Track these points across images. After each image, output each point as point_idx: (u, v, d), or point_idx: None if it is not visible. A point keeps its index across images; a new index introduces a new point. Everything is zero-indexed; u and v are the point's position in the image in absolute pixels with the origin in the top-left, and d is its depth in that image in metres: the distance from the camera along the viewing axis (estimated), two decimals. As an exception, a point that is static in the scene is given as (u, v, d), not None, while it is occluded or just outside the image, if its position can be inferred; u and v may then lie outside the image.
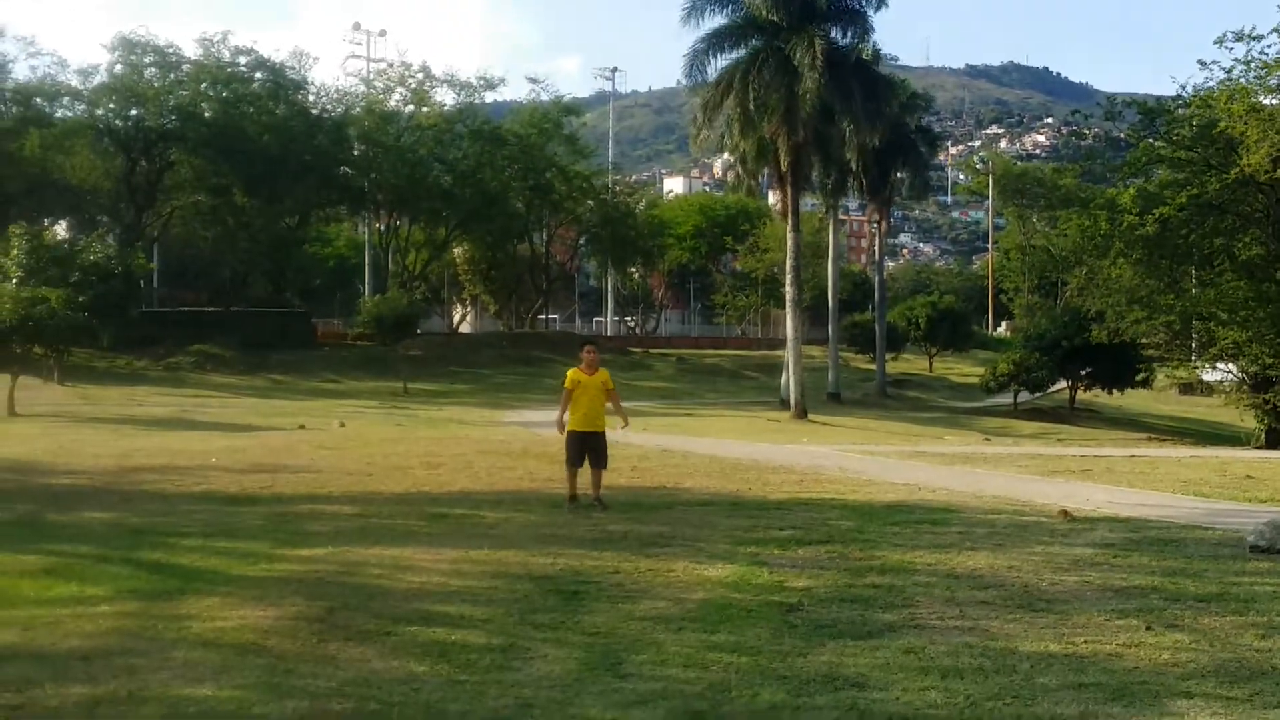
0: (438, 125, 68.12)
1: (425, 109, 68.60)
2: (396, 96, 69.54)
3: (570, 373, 14.48)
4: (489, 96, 73.19)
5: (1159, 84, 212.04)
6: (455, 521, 12.73)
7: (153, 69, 60.07)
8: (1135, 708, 6.19)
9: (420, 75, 69.14)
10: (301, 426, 27.61)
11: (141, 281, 54.65)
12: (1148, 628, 7.97)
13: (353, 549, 10.84)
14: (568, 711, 6.06)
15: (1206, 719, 5.98)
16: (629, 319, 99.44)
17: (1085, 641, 7.62)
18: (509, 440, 23.84)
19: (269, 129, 59.98)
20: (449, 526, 12.37)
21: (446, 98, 70.56)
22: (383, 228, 70.92)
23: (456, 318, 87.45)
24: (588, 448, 14.12)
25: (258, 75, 62.14)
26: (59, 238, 54.77)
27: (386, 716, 5.97)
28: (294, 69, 64.46)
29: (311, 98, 65.81)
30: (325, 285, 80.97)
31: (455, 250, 78.55)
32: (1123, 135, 42.37)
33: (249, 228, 62.80)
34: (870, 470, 19.09)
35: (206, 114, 59.78)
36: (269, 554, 10.55)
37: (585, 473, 14.18)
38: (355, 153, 67.34)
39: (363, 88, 70.80)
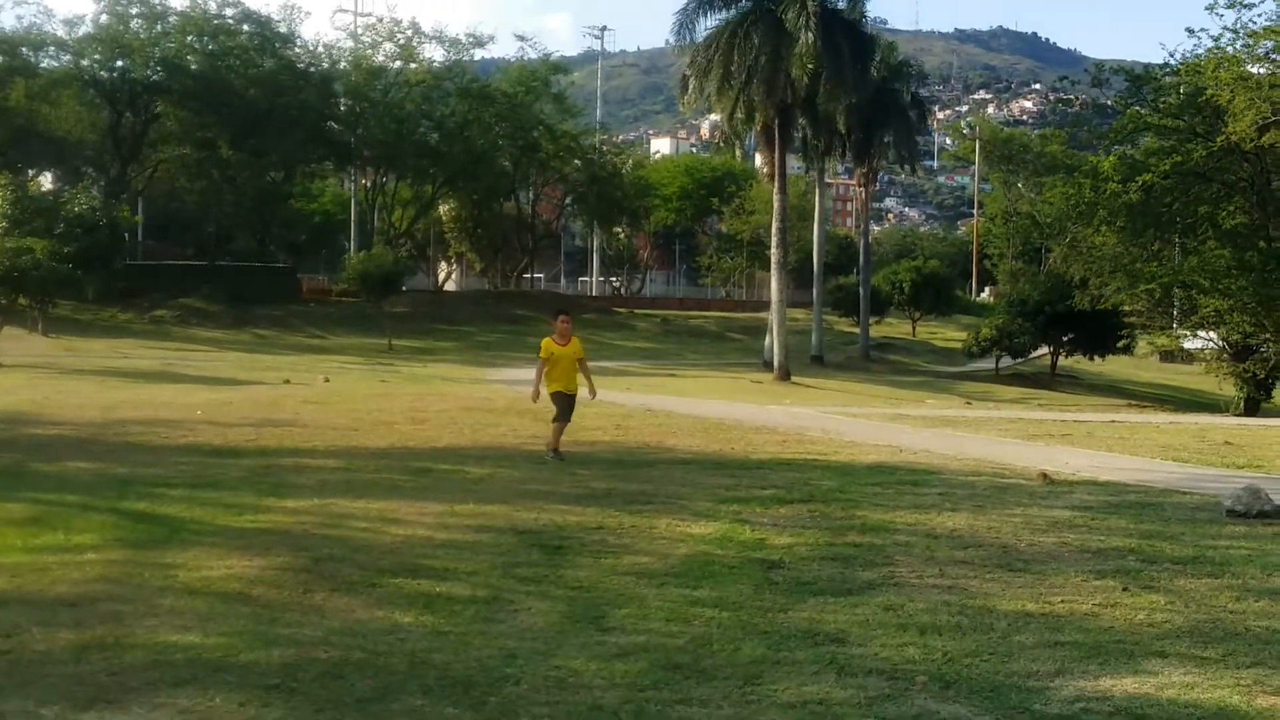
0: (425, 82, 67.76)
1: (413, 65, 68.17)
2: (384, 52, 69.11)
3: (545, 343, 14.59)
4: (477, 54, 73.08)
5: (1148, 51, 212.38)
6: (440, 476, 12.80)
7: (139, 20, 59.63)
8: (1110, 666, 6.27)
9: (409, 31, 68.72)
10: (286, 381, 27.63)
11: (126, 234, 54.63)
12: (1124, 589, 8.05)
13: (338, 502, 10.90)
14: (550, 663, 6.13)
15: (1180, 678, 6.05)
16: (614, 279, 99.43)
17: (1062, 601, 7.71)
18: (493, 397, 23.89)
19: (255, 82, 59.65)
20: (433, 481, 12.44)
21: (435, 54, 70.21)
22: (369, 184, 70.62)
23: (442, 276, 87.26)
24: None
25: (245, 28, 61.69)
26: (44, 189, 54.60)
27: (372, 665, 6.03)
28: (281, 22, 64.09)
29: (299, 51, 65.39)
30: (310, 241, 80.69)
31: (441, 208, 78.29)
32: (1110, 102, 42.42)
33: (234, 182, 62.46)
34: (852, 432, 19.20)
35: (193, 66, 59.40)
36: (255, 505, 10.60)
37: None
38: (342, 108, 67.03)
39: (350, 42, 70.40)
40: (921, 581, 8.27)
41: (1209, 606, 7.65)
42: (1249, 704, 5.65)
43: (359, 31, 71.27)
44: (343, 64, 68.03)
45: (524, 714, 5.37)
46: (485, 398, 23.84)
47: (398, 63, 68.63)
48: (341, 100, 66.90)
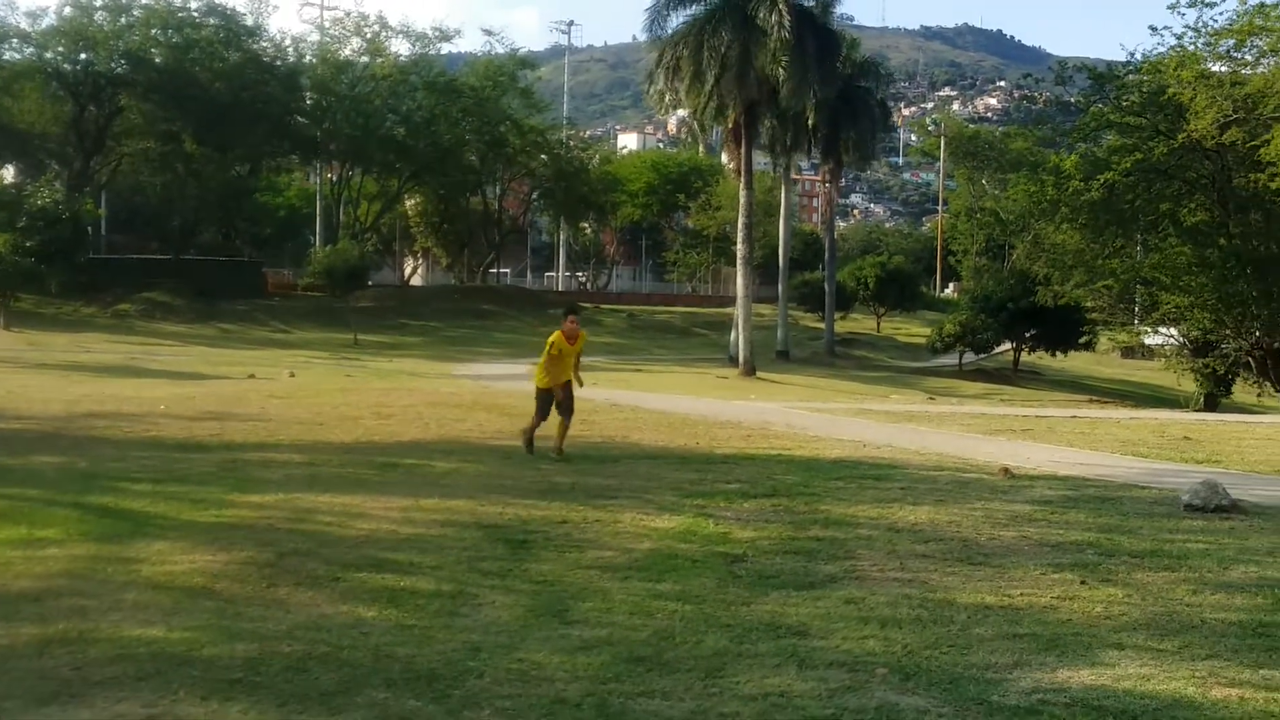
0: (392, 76, 67.63)
1: (380, 59, 68.01)
2: (352, 46, 68.92)
3: (554, 338, 14.63)
4: (444, 48, 72.90)
5: (1112, 49, 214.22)
6: (405, 471, 12.80)
7: (103, 13, 59.22)
8: (1067, 658, 6.35)
9: (376, 26, 68.58)
10: (251, 376, 27.53)
11: (89, 228, 54.18)
12: (1082, 582, 8.15)
13: (303, 496, 10.89)
14: (514, 656, 6.16)
15: (1136, 669, 6.13)
16: (581, 274, 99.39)
17: (1021, 594, 7.79)
18: (459, 393, 23.89)
19: (221, 76, 59.34)
20: (399, 476, 12.44)
21: (402, 48, 70.24)
22: (334, 178, 70.40)
23: (408, 270, 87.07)
24: (556, 399, 14.34)
25: (210, 21, 61.38)
26: (6, 182, 54.13)
27: (335, 659, 6.05)
28: (247, 15, 63.82)
29: (265, 45, 65.06)
30: (276, 235, 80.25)
31: (407, 202, 78.18)
32: (1073, 100, 42.72)
33: (199, 175, 62.14)
34: (816, 427, 19.29)
35: (157, 59, 59.08)
36: (219, 500, 10.58)
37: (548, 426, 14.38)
38: (308, 102, 66.76)
39: (317, 36, 70.12)
40: (883, 575, 8.34)
41: (1165, 599, 7.75)
42: (1204, 695, 5.74)
43: (326, 25, 71.09)
44: (309, 58, 67.78)
45: (487, 706, 5.41)
46: (451, 393, 23.84)
47: (365, 57, 68.47)
48: (308, 94, 66.62)
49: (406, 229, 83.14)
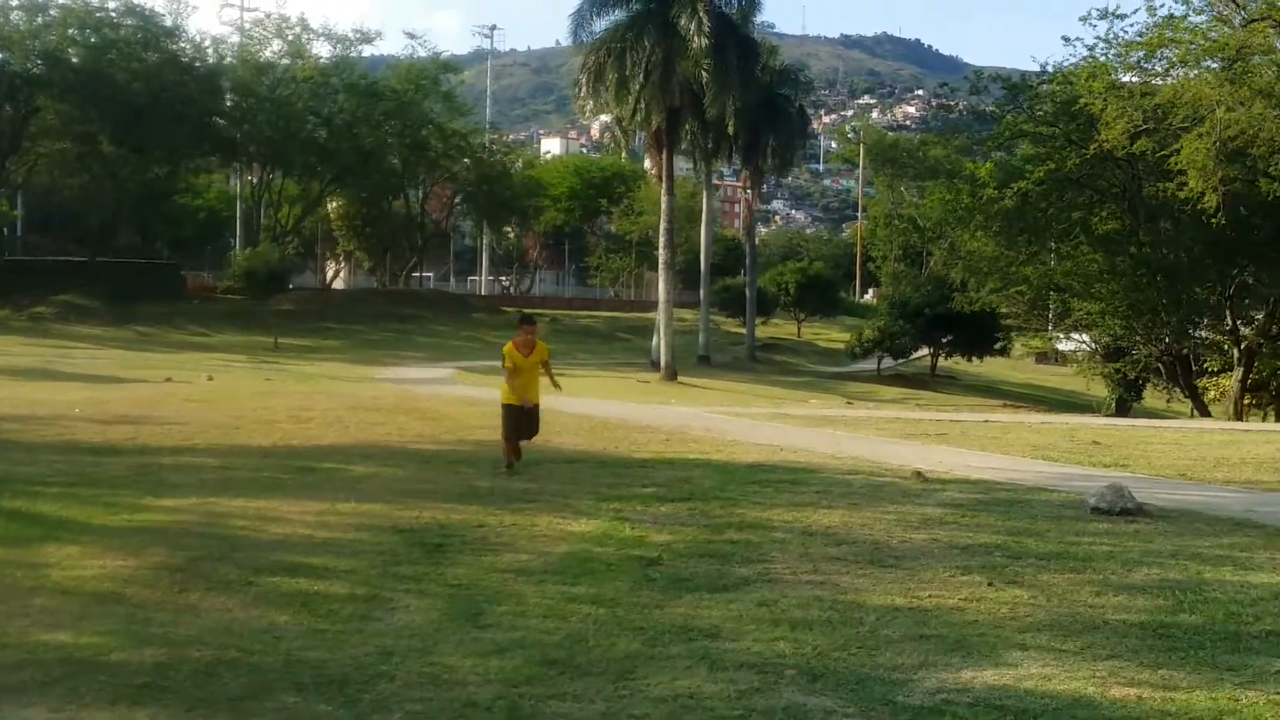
0: (313, 78, 67.06)
1: (301, 61, 67.40)
2: (273, 48, 68.28)
3: (508, 350, 13.80)
4: (366, 50, 72.48)
5: (1027, 59, 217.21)
6: (322, 475, 12.74)
7: (19, 12, 58.24)
8: (972, 658, 6.46)
9: (298, 28, 68.00)
10: (168, 379, 27.17)
11: (5, 229, 53.16)
12: (989, 583, 8.29)
13: (217, 500, 10.81)
14: (426, 660, 6.18)
15: (1038, 669, 6.25)
16: (503, 278, 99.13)
17: (930, 596, 7.92)
18: (380, 396, 23.74)
19: (139, 76, 58.45)
20: (316, 480, 12.37)
21: (323, 50, 69.57)
22: (255, 180, 69.61)
23: (330, 274, 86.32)
24: (524, 419, 13.64)
25: (128, 21, 60.42)
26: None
27: (245, 664, 6.03)
28: (166, 16, 63.01)
29: (184, 46, 64.22)
30: (195, 237, 79.20)
31: (329, 205, 77.48)
32: (989, 109, 43.36)
33: (116, 177, 61.15)
34: (735, 431, 19.41)
35: (74, 59, 58.14)
36: (132, 504, 10.47)
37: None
38: (228, 103, 65.98)
39: (237, 37, 69.36)
40: (795, 578, 8.44)
41: (1070, 601, 7.89)
42: (1103, 695, 5.86)
43: (246, 27, 70.32)
44: (229, 59, 66.98)
45: (397, 710, 5.42)
46: (372, 396, 23.69)
47: (286, 59, 67.83)
48: (228, 96, 65.86)
49: (328, 232, 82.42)
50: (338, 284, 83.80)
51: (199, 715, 5.31)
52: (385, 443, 15.90)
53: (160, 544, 8.87)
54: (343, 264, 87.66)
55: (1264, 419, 39.84)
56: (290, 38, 67.63)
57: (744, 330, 60.74)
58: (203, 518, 10.03)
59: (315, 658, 6.17)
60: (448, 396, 25.58)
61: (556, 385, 14.25)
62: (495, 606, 7.40)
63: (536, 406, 13.74)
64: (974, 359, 55.11)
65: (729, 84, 42.51)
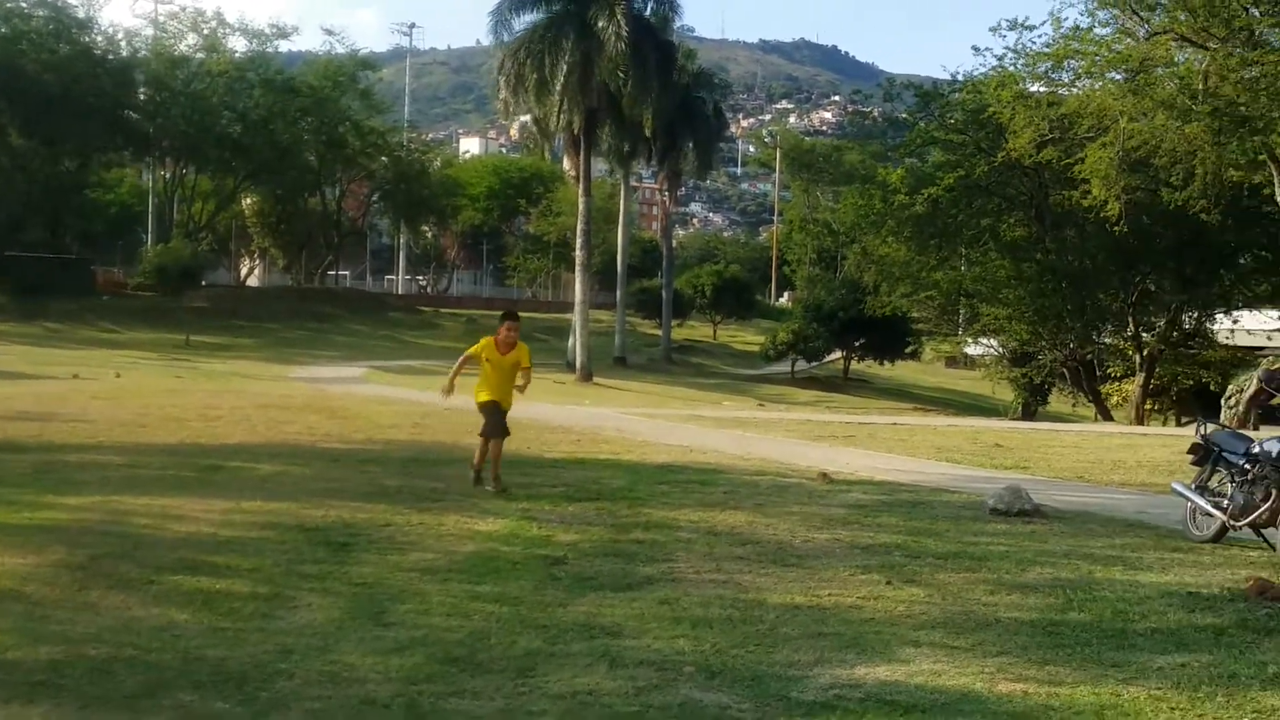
0: (229, 73, 66.29)
1: (216, 55, 66.56)
2: (187, 42, 67.35)
3: (485, 342, 12.62)
4: (283, 46, 71.75)
5: (940, 68, 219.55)
6: (229, 473, 12.64)
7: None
8: (866, 655, 6.58)
9: (213, 22, 67.17)
10: (76, 376, 26.78)
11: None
12: (888, 582, 8.45)
13: (121, 498, 10.70)
14: (326, 658, 6.19)
15: (930, 666, 6.38)
16: (421, 278, 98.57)
17: (829, 594, 8.05)
18: (291, 395, 23.57)
19: (50, 68, 57.34)
20: (222, 478, 12.28)
21: (239, 45, 68.77)
22: (168, 175, 68.59)
23: (244, 271, 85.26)
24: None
25: (40, 12, 59.34)
26: None
27: (143, 662, 6.01)
28: (79, 7, 61.89)
29: (97, 38, 63.12)
30: (107, 233, 77.67)
31: (244, 201, 76.59)
32: (903, 116, 43.98)
33: (26, 170, 59.95)
34: (647, 432, 19.53)
35: (-16, 50, 56.88)
36: (34, 502, 10.34)
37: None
38: (142, 97, 64.96)
39: (151, 30, 68.32)
40: (699, 577, 8.54)
41: (964, 599, 8.06)
42: (990, 690, 5.99)
43: (161, 20, 69.29)
44: (143, 52, 65.94)
45: (295, 708, 5.43)
46: (283, 395, 23.51)
47: (201, 53, 66.92)
48: (141, 89, 64.85)
49: (243, 229, 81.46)
50: (252, 281, 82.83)
51: (92, 713, 5.29)
52: (294, 441, 15.80)
53: (61, 542, 8.77)
54: (257, 261, 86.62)
55: (1164, 423, 40.81)
56: (206, 32, 66.86)
57: (660, 332, 60.99)
58: (105, 516, 9.93)
59: (214, 655, 6.16)
60: (360, 396, 25.46)
61: (520, 390, 12.73)
62: (398, 605, 7.42)
63: (508, 407, 12.63)
64: (886, 362, 55.77)
65: (647, 86, 42.70)
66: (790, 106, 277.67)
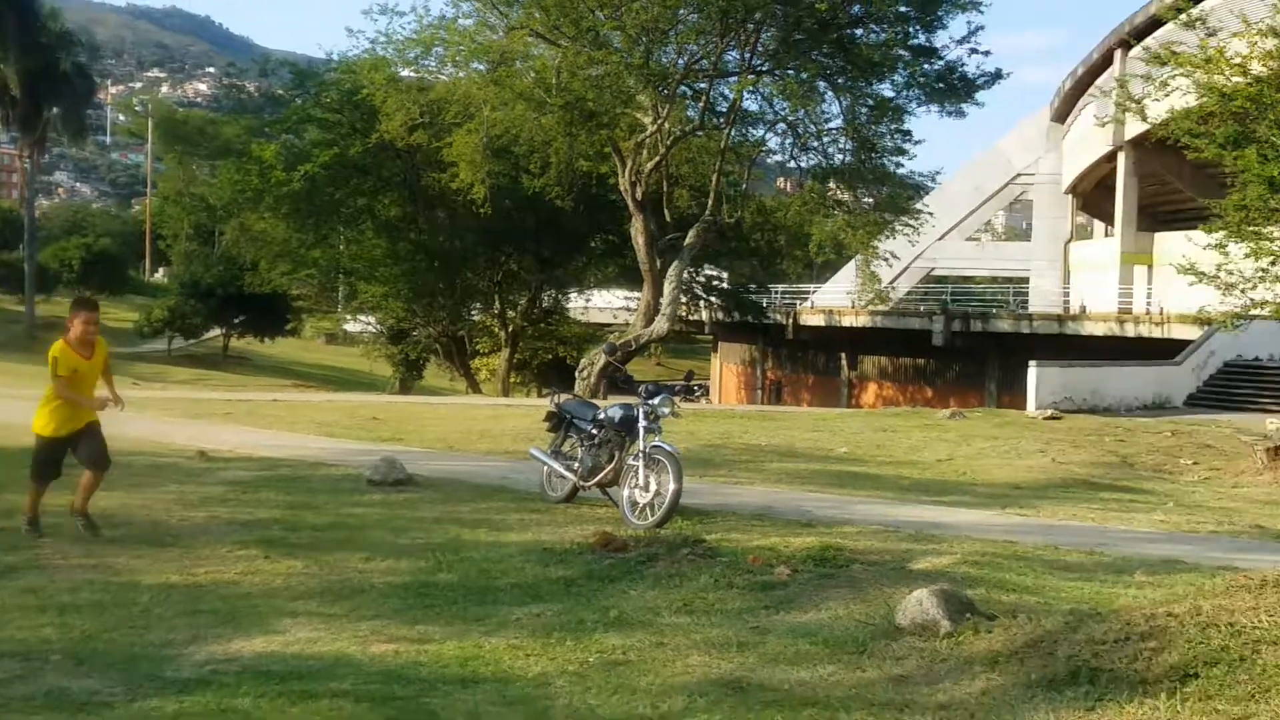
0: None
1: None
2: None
3: (62, 354, 9.19)
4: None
5: (317, 48, 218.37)
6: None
7: None
8: (243, 629, 6.68)
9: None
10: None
11: None
12: (266, 557, 8.58)
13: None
14: None
15: (306, 634, 6.57)
16: None
17: (206, 572, 8.06)
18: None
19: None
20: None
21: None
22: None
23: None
24: (87, 446, 9.51)
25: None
26: None
27: None
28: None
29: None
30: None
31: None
32: (279, 92, 43.68)
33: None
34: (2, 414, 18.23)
35: None
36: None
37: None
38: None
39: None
40: (67, 562, 8.29)
41: (341, 568, 8.34)
42: (364, 652, 6.27)
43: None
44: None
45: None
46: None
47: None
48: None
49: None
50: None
51: None
52: None
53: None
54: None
55: (527, 394, 43.37)
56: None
57: (23, 308, 56.68)
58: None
59: None
60: None
61: (118, 401, 9.54)
62: None
63: (97, 424, 9.60)
64: (266, 340, 55.23)
65: (7, 46, 39.58)
66: (163, 75, 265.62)
